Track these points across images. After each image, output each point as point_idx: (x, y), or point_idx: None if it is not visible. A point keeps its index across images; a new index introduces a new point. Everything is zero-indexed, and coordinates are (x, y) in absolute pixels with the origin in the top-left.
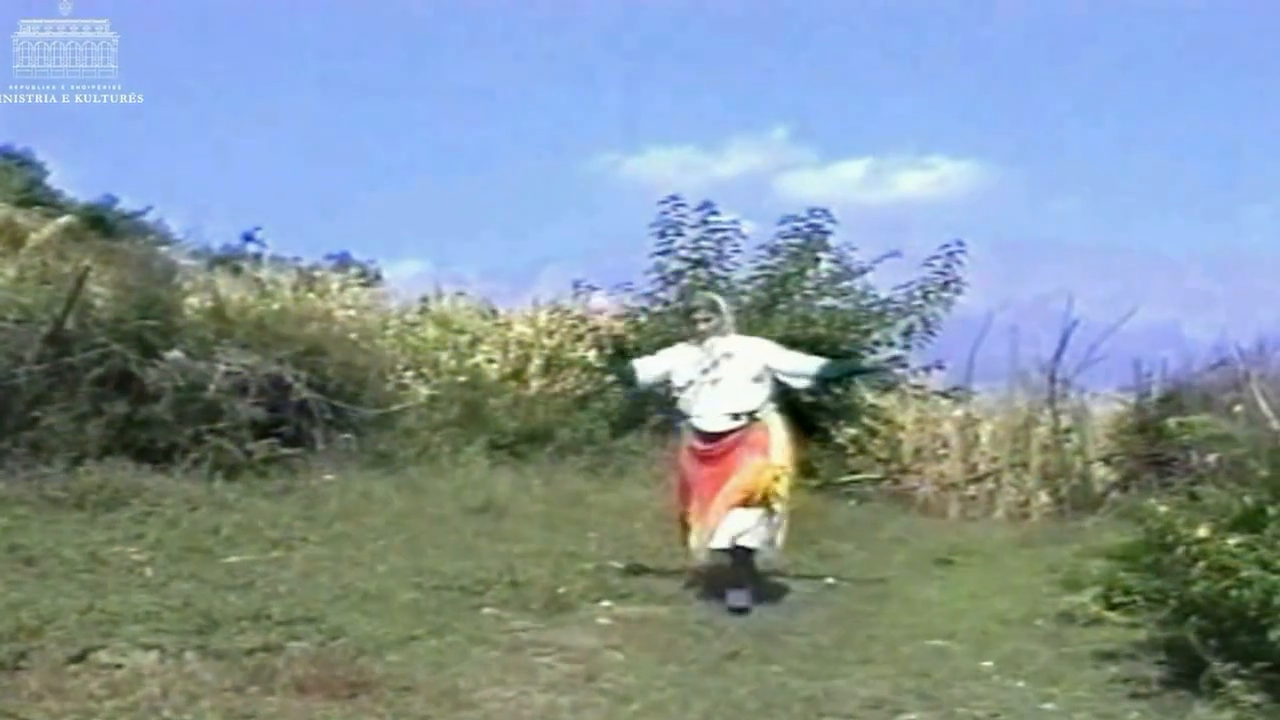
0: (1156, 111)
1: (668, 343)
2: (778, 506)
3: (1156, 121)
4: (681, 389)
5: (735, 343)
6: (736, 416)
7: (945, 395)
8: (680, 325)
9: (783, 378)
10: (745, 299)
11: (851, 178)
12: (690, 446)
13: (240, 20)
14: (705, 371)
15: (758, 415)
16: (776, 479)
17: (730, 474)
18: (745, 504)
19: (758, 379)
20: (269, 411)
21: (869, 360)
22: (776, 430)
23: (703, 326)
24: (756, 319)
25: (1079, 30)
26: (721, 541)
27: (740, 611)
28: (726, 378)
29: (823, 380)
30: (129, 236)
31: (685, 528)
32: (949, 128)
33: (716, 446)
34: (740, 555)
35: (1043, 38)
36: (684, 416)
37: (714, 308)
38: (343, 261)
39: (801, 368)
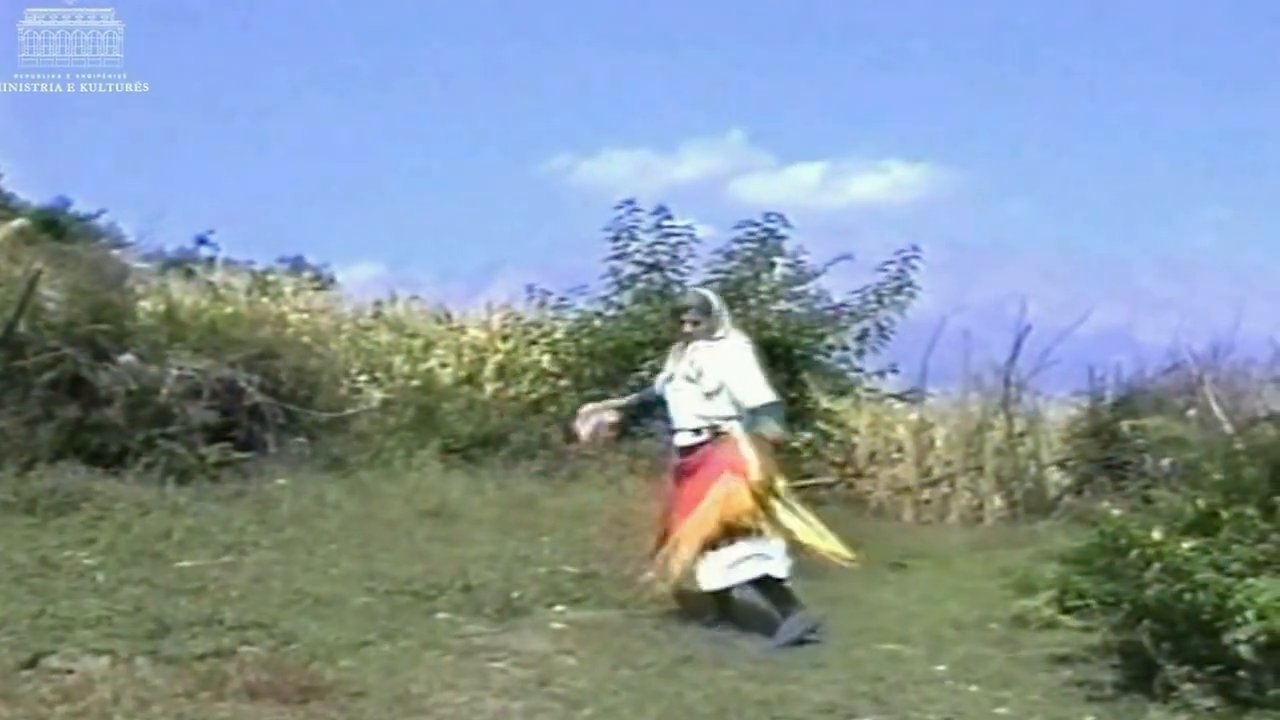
0: (1108, 114)
1: (621, 347)
2: (764, 527)
3: (1108, 124)
4: (668, 398)
5: (719, 348)
6: (697, 431)
7: (899, 399)
8: (640, 327)
9: (723, 398)
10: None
11: (807, 181)
12: (671, 460)
13: (188, 17)
14: (689, 380)
15: (721, 429)
16: (747, 500)
17: (699, 496)
18: (730, 536)
19: (711, 392)
20: (221, 415)
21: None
22: (743, 444)
23: (688, 329)
24: None
25: (1031, 34)
26: (715, 582)
27: (799, 642)
28: (703, 386)
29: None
30: (82, 240)
31: (661, 543)
32: (903, 132)
33: (686, 464)
34: (765, 586)
35: (995, 42)
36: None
37: (705, 309)
38: (296, 265)
39: (745, 398)
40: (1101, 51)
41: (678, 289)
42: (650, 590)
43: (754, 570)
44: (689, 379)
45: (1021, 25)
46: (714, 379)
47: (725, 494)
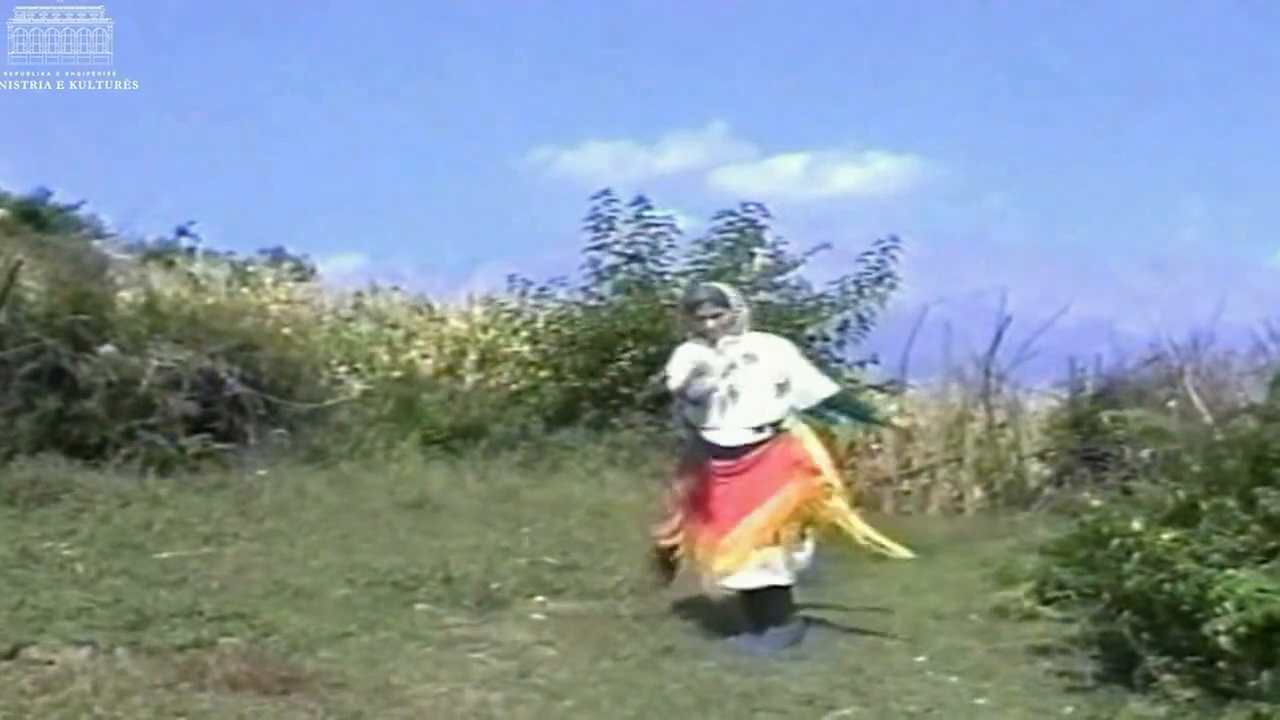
0: (1091, 107)
1: (601, 337)
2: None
3: (1091, 117)
4: (694, 397)
5: (756, 342)
6: (759, 429)
7: (880, 390)
8: (672, 320)
9: (791, 394)
10: (680, 294)
11: (789, 173)
12: (701, 462)
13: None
14: (723, 376)
15: (783, 426)
16: (827, 498)
17: (757, 497)
18: (786, 535)
19: (782, 386)
20: (202, 407)
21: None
22: (811, 442)
23: (710, 324)
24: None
25: (1016, 26)
26: (752, 581)
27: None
28: (748, 384)
29: (823, 409)
30: (62, 231)
31: (668, 550)
32: (887, 123)
33: (736, 464)
34: (772, 591)
35: (981, 34)
36: (692, 428)
37: (721, 300)
38: (277, 256)
39: (814, 389)
40: (1086, 45)
41: (657, 280)
42: (687, 588)
43: (785, 576)
44: (728, 374)
45: (1006, 17)
46: (782, 372)
47: (803, 494)
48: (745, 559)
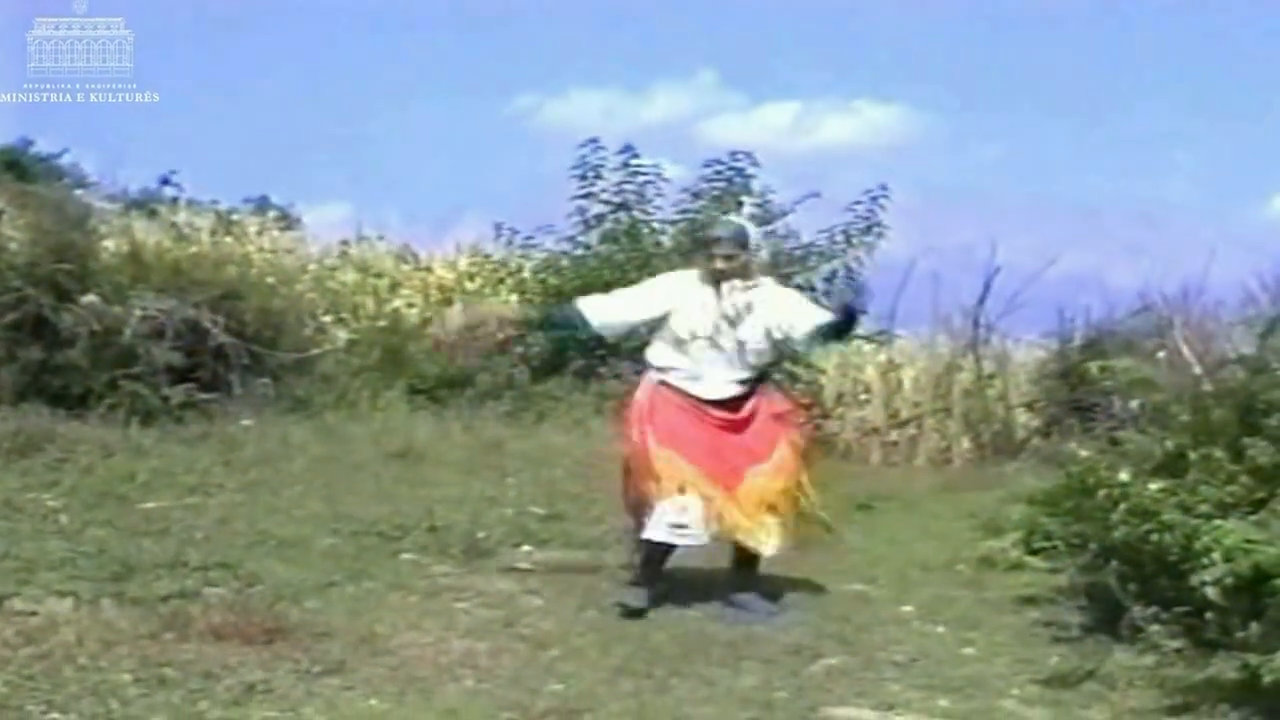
0: (1081, 57)
1: (588, 286)
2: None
3: (1081, 68)
4: (683, 338)
5: (761, 293)
6: (744, 383)
7: (868, 340)
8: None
9: (794, 341)
10: (667, 242)
11: (778, 123)
12: (687, 408)
13: None
14: (730, 323)
15: (767, 375)
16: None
17: (762, 452)
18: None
19: (777, 341)
20: (186, 356)
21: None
22: (780, 396)
23: (721, 266)
24: (679, 263)
25: None
26: (768, 549)
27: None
28: (744, 337)
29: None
30: (44, 179)
31: (643, 492)
32: (875, 71)
33: (734, 415)
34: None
35: None
36: (661, 368)
37: (742, 242)
38: (261, 205)
39: (813, 326)
40: None
41: (644, 229)
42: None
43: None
44: (731, 323)
45: None
46: (774, 327)
47: (793, 454)
48: (759, 520)
